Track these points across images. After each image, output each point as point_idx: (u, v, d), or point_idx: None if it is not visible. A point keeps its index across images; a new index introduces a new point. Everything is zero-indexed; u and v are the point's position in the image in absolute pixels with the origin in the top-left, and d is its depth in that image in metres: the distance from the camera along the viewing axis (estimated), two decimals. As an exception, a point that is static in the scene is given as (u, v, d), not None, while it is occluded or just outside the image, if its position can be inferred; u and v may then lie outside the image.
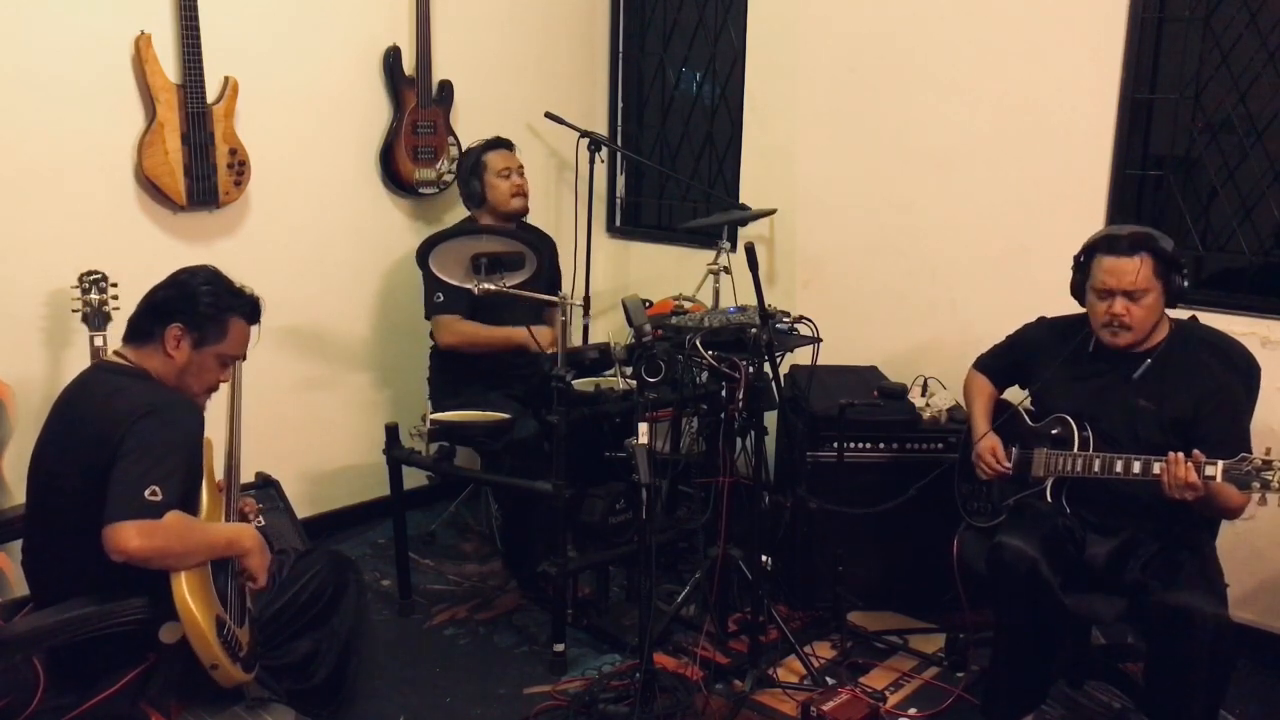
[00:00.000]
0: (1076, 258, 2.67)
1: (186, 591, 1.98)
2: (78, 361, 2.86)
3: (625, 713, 2.69)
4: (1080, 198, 3.33)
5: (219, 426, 2.39)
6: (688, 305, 3.62)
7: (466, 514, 4.07)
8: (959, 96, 3.54)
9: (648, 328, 2.68)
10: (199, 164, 3.22)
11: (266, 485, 3.26)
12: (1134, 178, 3.31)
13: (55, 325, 3.06)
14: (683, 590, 3.15)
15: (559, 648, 3.02)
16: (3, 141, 2.94)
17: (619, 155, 4.52)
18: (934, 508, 3.09)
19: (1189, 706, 2.38)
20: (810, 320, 2.96)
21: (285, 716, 2.26)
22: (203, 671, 2.04)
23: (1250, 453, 2.33)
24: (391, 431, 3.27)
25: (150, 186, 3.19)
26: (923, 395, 3.40)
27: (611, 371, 3.22)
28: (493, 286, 2.96)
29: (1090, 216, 3.28)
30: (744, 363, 2.84)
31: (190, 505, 2.11)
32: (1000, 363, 2.97)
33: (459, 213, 3.85)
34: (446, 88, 3.89)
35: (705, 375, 2.98)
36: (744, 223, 3.87)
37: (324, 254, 3.72)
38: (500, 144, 3.67)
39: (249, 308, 2.32)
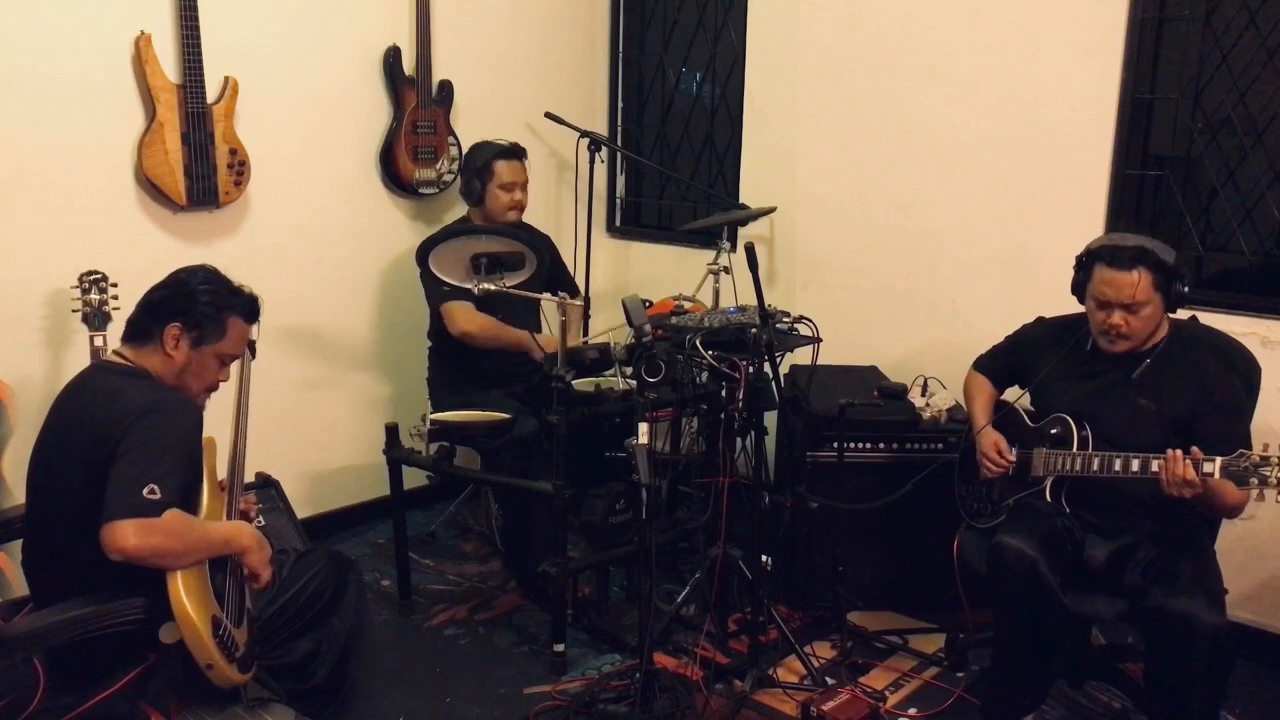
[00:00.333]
0: (1079, 258, 2.67)
1: (183, 591, 1.98)
2: (78, 361, 2.86)
3: (625, 713, 2.69)
4: (1080, 198, 3.33)
5: (224, 425, 2.39)
6: (688, 305, 3.62)
7: (466, 514, 4.07)
8: (959, 96, 3.54)
9: (648, 328, 2.67)
10: (199, 164, 3.22)
11: (266, 485, 3.27)
12: (1134, 178, 3.31)
13: (55, 325, 3.06)
14: (683, 590, 3.15)
15: (559, 648, 3.02)
16: (3, 141, 2.94)
17: (619, 155, 4.52)
18: (934, 508, 3.09)
19: (1188, 709, 2.39)
20: (810, 320, 2.96)
21: (285, 716, 2.27)
22: (201, 671, 2.04)
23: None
24: (391, 431, 3.27)
25: (150, 186, 3.19)
26: (923, 395, 3.40)
27: (611, 371, 3.23)
28: (493, 286, 2.96)
29: (1090, 216, 3.28)
30: (744, 363, 2.84)
31: (190, 504, 2.11)
32: (1000, 363, 2.97)
33: (459, 212, 3.85)
34: (446, 88, 3.89)
35: (705, 375, 2.98)
36: (744, 222, 3.87)
37: (324, 254, 3.72)
38: (514, 153, 3.60)
39: (248, 307, 2.32)
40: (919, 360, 3.64)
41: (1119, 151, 3.27)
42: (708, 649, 2.98)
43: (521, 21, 4.19)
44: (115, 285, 2.87)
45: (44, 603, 2.14)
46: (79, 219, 3.10)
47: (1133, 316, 2.54)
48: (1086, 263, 2.63)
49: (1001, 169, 3.49)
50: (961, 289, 3.63)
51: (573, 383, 2.95)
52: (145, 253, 3.18)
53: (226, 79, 3.28)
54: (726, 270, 3.71)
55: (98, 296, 2.86)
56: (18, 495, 2.74)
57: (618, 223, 4.64)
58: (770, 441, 3.39)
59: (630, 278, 4.54)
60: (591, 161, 4.02)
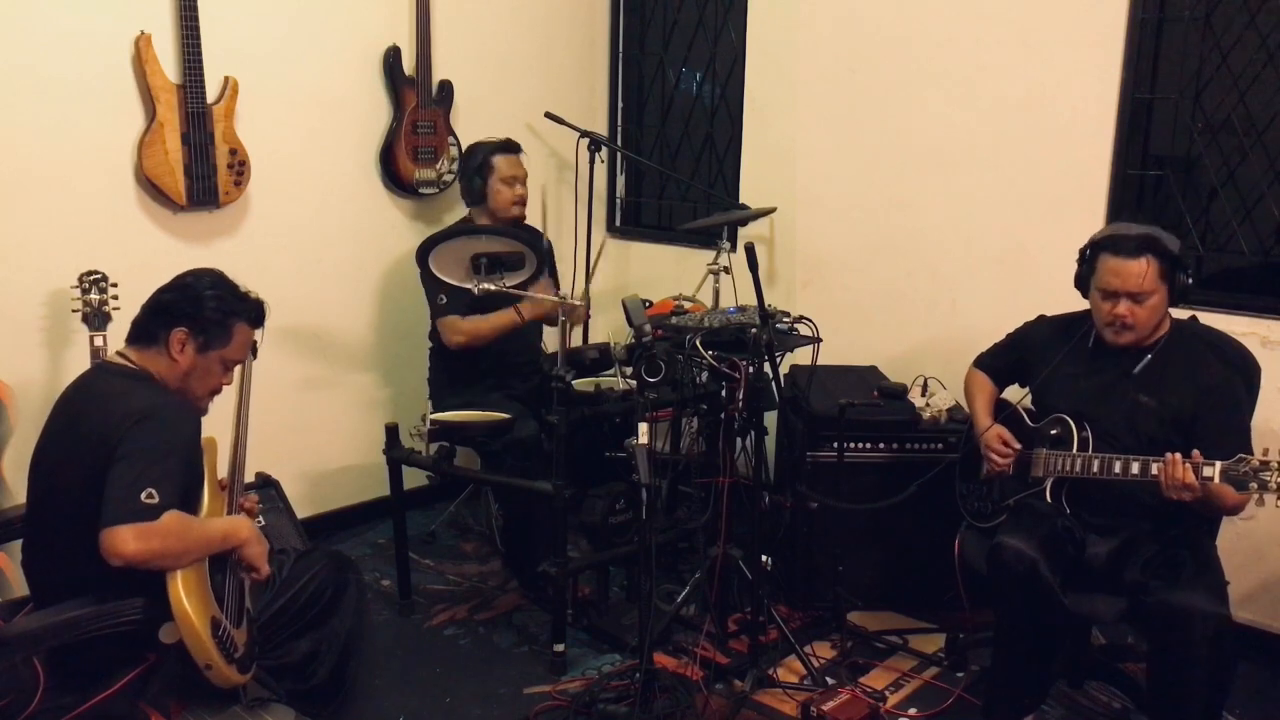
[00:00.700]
0: (1083, 251, 2.67)
1: (182, 592, 1.98)
2: (78, 362, 2.87)
3: (625, 713, 2.69)
4: (1080, 197, 3.33)
5: (226, 424, 2.39)
6: (688, 305, 3.62)
7: (466, 514, 4.07)
8: (959, 96, 3.54)
9: (648, 328, 2.67)
10: (199, 164, 3.22)
11: (266, 485, 3.26)
12: (1134, 177, 3.31)
13: (55, 325, 3.06)
14: (683, 590, 3.15)
15: (559, 648, 3.02)
16: (3, 141, 2.94)
17: (619, 155, 4.52)
18: (934, 508, 3.09)
19: (1190, 707, 2.37)
20: (810, 320, 2.96)
21: (285, 716, 2.26)
22: (200, 672, 2.04)
23: (1250, 452, 2.33)
24: (391, 431, 3.27)
25: (150, 186, 3.19)
26: (923, 395, 3.40)
27: (611, 371, 3.22)
28: (493, 286, 2.96)
29: (1090, 216, 3.28)
30: (744, 363, 2.84)
31: (190, 506, 2.11)
32: (1000, 361, 2.97)
33: (459, 212, 3.85)
34: (446, 88, 3.89)
35: (705, 375, 2.98)
36: (744, 222, 3.87)
37: (324, 254, 3.72)
38: (510, 148, 3.63)
39: (254, 312, 2.32)
40: (919, 360, 3.64)
41: (1119, 151, 3.27)
42: (708, 649, 2.98)
43: (521, 21, 4.19)
44: (115, 285, 2.87)
45: (44, 603, 2.14)
46: (79, 219, 3.10)
47: (1138, 307, 2.53)
48: (1091, 254, 2.62)
49: (1002, 169, 3.49)
50: (961, 288, 3.63)
51: (573, 383, 2.95)
52: (145, 253, 3.18)
53: (226, 79, 3.28)
54: (726, 270, 3.71)
55: (98, 296, 2.86)
56: (18, 495, 2.74)
57: (618, 223, 4.64)
58: (770, 441, 3.38)
59: (630, 278, 4.54)
60: (591, 161, 4.01)
